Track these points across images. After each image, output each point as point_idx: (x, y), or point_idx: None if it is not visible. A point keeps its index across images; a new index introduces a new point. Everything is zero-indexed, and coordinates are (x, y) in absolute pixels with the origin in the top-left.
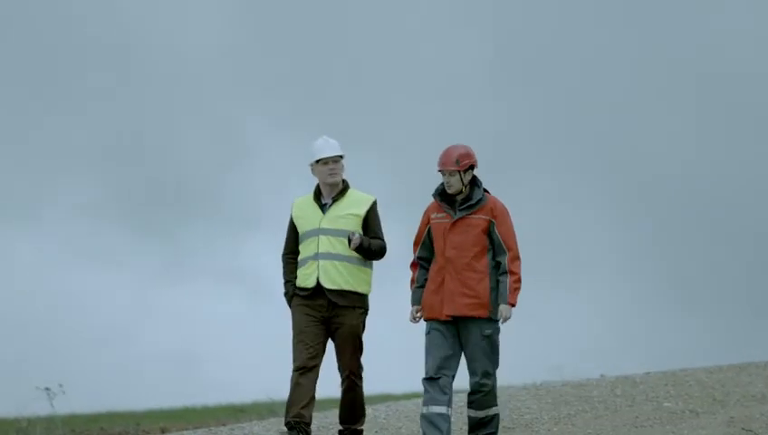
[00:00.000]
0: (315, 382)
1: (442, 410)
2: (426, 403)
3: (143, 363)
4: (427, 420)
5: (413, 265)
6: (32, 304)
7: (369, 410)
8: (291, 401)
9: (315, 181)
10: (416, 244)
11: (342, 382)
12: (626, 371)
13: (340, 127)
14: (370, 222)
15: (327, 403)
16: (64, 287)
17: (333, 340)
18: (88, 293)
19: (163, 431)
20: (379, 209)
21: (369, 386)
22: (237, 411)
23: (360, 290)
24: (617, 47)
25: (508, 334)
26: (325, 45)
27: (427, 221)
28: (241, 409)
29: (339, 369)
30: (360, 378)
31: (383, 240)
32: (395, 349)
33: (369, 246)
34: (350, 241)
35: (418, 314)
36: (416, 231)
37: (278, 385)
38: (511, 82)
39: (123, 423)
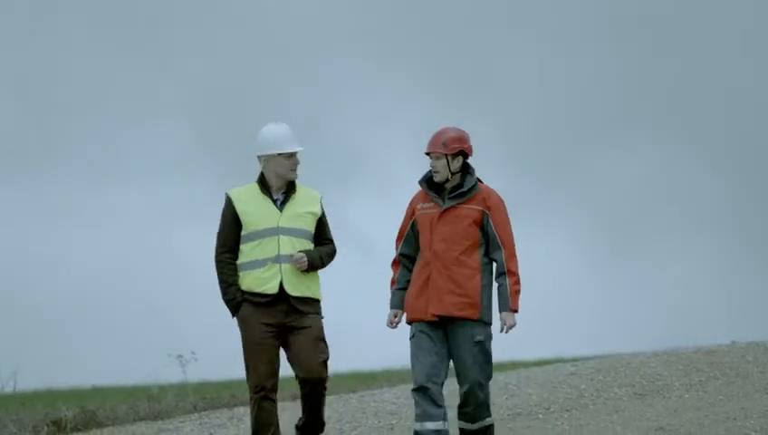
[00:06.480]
0: (276, 407)
1: (438, 425)
2: (419, 418)
3: None
4: None
5: (394, 264)
6: (140, 263)
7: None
8: (258, 428)
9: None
10: (398, 239)
11: (307, 391)
12: (757, 337)
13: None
14: (324, 220)
15: None
16: (164, 246)
17: (291, 347)
18: (185, 253)
19: (294, 398)
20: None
21: None
22: (368, 378)
23: (318, 296)
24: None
25: (638, 301)
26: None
27: (411, 213)
28: (372, 376)
29: (300, 379)
30: (326, 388)
31: (332, 241)
32: None
33: (321, 259)
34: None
35: (396, 319)
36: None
37: (406, 352)
38: (608, 36)
39: None
